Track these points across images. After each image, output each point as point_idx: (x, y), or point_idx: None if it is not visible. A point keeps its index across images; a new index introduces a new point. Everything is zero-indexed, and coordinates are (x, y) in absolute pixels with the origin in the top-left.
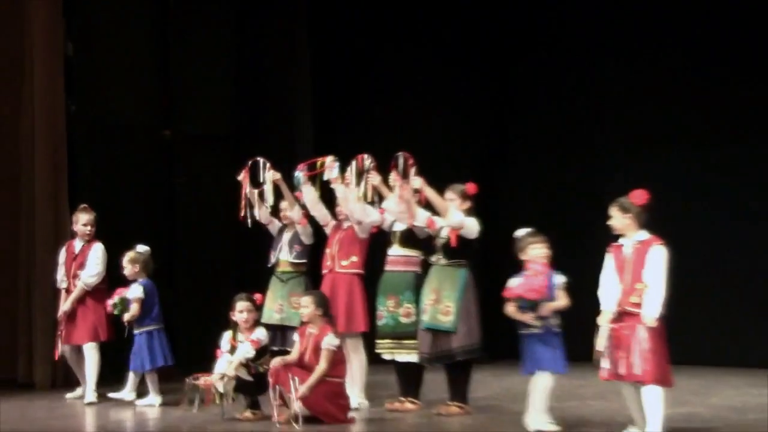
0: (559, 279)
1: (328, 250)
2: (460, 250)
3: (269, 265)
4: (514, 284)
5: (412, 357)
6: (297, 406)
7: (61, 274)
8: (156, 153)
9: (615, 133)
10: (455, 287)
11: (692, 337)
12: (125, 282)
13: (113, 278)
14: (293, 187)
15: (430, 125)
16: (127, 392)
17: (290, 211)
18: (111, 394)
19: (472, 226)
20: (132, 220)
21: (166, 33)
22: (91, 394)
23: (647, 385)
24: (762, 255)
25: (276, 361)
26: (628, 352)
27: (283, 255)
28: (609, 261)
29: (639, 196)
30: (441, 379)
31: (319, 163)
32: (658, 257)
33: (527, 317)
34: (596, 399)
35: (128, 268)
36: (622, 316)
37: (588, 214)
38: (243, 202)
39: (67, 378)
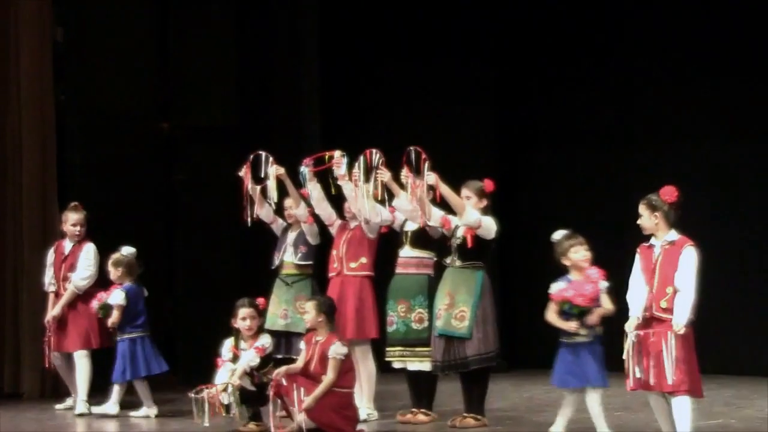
0: (603, 284)
1: (334, 252)
2: (476, 251)
3: (273, 268)
4: (561, 288)
5: (424, 365)
6: (301, 419)
7: (49, 277)
8: (153, 147)
9: (644, 127)
10: (471, 291)
11: (724, 345)
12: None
13: (105, 281)
14: (298, 183)
15: (444, 118)
16: (111, 405)
17: (295, 208)
18: (94, 409)
19: (489, 226)
20: (127, 220)
21: (164, 18)
22: (81, 405)
23: (677, 396)
24: None
25: (279, 372)
26: (657, 360)
27: (288, 256)
28: (638, 263)
29: (669, 193)
30: (456, 389)
31: (326, 158)
32: (690, 259)
33: (572, 325)
34: (622, 410)
35: (112, 272)
36: (650, 322)
37: (616, 212)
38: (245, 200)
39: (56, 387)
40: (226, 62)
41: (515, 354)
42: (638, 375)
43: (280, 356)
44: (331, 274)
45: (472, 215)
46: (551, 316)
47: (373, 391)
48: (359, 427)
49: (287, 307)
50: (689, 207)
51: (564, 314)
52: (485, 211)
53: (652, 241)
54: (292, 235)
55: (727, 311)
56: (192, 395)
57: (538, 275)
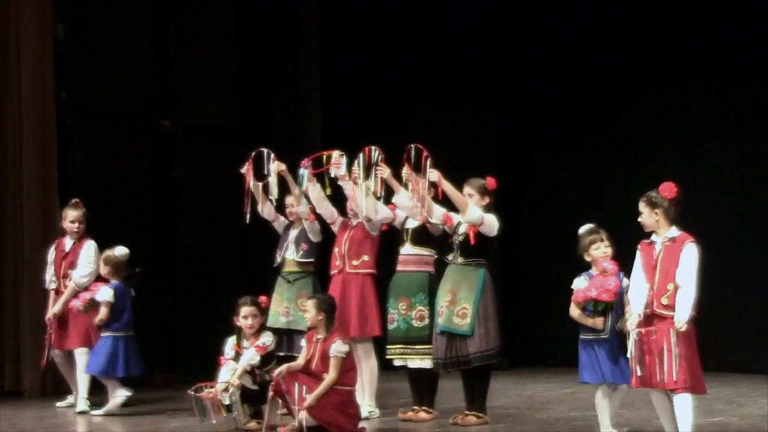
0: (625, 281)
1: (336, 250)
2: (478, 248)
3: (275, 265)
4: (582, 288)
5: (425, 363)
6: (302, 416)
7: (50, 274)
8: (153, 144)
9: (644, 125)
10: (473, 288)
11: (725, 342)
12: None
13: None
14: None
15: (445, 117)
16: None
17: (297, 206)
18: (93, 412)
19: (492, 223)
20: (127, 217)
21: (164, 15)
22: (82, 403)
23: (679, 394)
24: None
25: (280, 371)
26: (659, 358)
27: (290, 254)
28: (638, 260)
29: (668, 189)
30: (457, 387)
31: (324, 158)
32: (690, 256)
33: (598, 321)
34: (624, 407)
35: (101, 268)
36: (652, 319)
37: (616, 210)
38: (246, 198)
39: (57, 385)
40: (226, 60)
41: (517, 351)
42: (639, 373)
43: (281, 354)
44: (333, 272)
45: (474, 212)
46: (574, 312)
47: (375, 388)
48: (361, 424)
49: (289, 305)
50: (690, 204)
51: (586, 311)
52: (488, 208)
53: (653, 237)
54: (293, 233)
55: (729, 309)
56: (191, 393)
57: (540, 273)
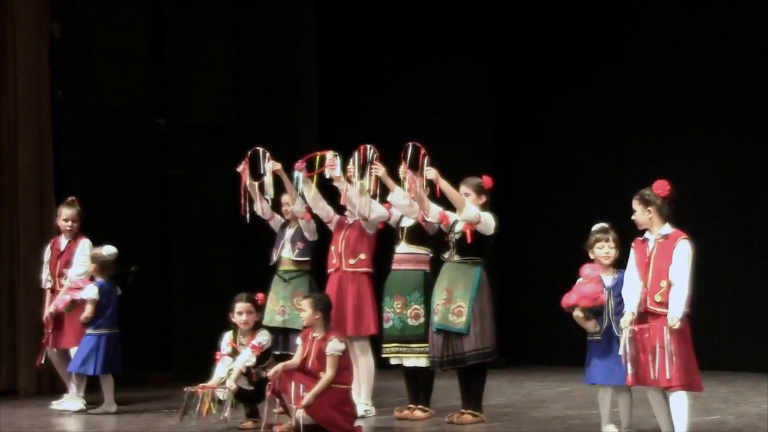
0: (608, 281)
1: (333, 248)
2: (475, 246)
3: (271, 264)
4: (567, 295)
5: (420, 361)
6: (299, 415)
7: (45, 273)
8: (150, 143)
9: (641, 124)
10: (469, 286)
11: (721, 341)
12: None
13: None
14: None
15: (442, 115)
16: (73, 399)
17: (292, 204)
18: (55, 404)
19: (488, 222)
20: (123, 215)
21: (160, 13)
22: (78, 402)
23: (674, 392)
24: None
25: (276, 370)
26: (653, 355)
27: (286, 252)
28: (632, 258)
29: (661, 187)
30: (453, 385)
31: (318, 158)
32: (683, 252)
33: (588, 325)
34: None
35: (88, 265)
36: (645, 316)
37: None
38: (243, 196)
39: (52, 384)
40: (222, 58)
41: (513, 350)
42: (634, 370)
43: (277, 352)
44: (330, 270)
45: (471, 211)
46: (576, 313)
47: (372, 387)
48: (357, 423)
49: (285, 304)
50: (687, 202)
51: (586, 313)
52: (484, 207)
53: (647, 235)
54: (289, 232)
55: (725, 307)
56: (187, 389)
57: (537, 272)
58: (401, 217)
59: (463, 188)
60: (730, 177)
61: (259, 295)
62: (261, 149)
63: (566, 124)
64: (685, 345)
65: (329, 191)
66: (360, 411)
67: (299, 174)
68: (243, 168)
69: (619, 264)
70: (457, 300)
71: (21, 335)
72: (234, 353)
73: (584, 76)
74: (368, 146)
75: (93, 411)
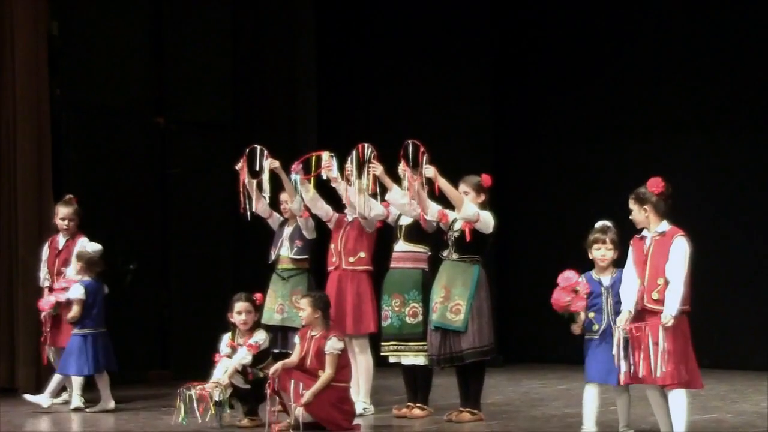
0: (583, 287)
1: (333, 247)
2: (474, 245)
3: (269, 262)
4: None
5: (418, 359)
6: (298, 413)
7: (44, 272)
8: (148, 141)
9: (640, 122)
10: (467, 284)
11: (720, 339)
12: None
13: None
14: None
15: (441, 114)
16: (45, 397)
17: (291, 203)
18: (27, 396)
19: (487, 220)
20: (121, 214)
21: (159, 12)
22: (77, 400)
23: (672, 390)
24: None
25: (276, 369)
26: (646, 353)
27: (284, 251)
28: (631, 256)
29: (655, 184)
30: (452, 384)
31: (314, 158)
32: (680, 250)
33: (574, 328)
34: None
35: (73, 264)
36: (643, 314)
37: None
38: (241, 195)
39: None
40: (221, 57)
41: (511, 349)
42: (624, 369)
43: (276, 351)
44: (329, 269)
45: (470, 209)
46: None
47: (370, 385)
48: (355, 421)
49: (283, 302)
50: (686, 200)
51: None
52: (483, 205)
53: (644, 232)
54: (288, 230)
55: (723, 305)
56: (182, 390)
57: (535, 270)
58: (399, 215)
59: (463, 186)
60: (728, 176)
61: (258, 295)
62: (259, 147)
63: (565, 124)
64: (684, 343)
65: (328, 190)
66: (359, 409)
67: (296, 177)
68: (241, 166)
69: (618, 264)
70: (455, 298)
71: (19, 334)
72: (233, 354)
73: (584, 75)
74: (366, 145)
75: (91, 409)
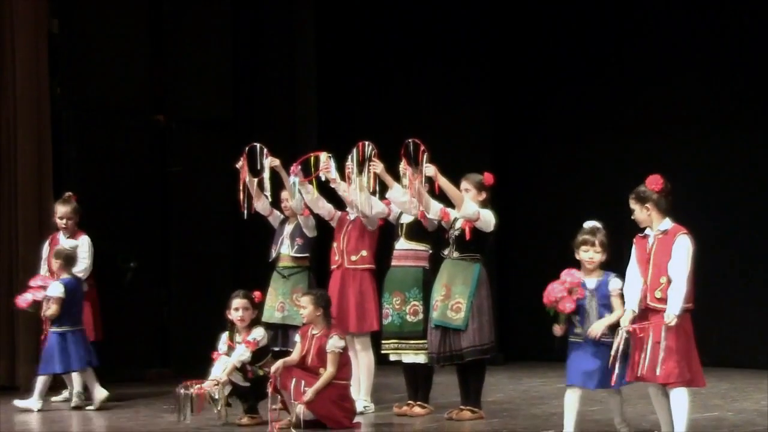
0: (614, 284)
1: (335, 245)
2: (474, 243)
3: (270, 260)
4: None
5: (419, 358)
6: (299, 410)
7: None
8: (148, 139)
9: (640, 120)
10: (468, 283)
11: (721, 337)
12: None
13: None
14: None
15: (441, 111)
16: (35, 400)
17: (291, 201)
18: (17, 403)
19: (488, 219)
20: (122, 212)
21: (159, 9)
22: (77, 398)
23: (674, 388)
24: None
25: (277, 365)
26: (653, 352)
27: (284, 249)
28: (634, 254)
29: (655, 182)
30: (452, 382)
31: (312, 159)
32: (682, 248)
33: (556, 328)
34: None
35: (52, 262)
36: (646, 313)
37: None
38: (241, 193)
39: (52, 380)
40: (221, 54)
41: (512, 347)
42: (633, 367)
43: (276, 349)
44: (332, 267)
45: (470, 208)
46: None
47: (371, 383)
48: (356, 419)
49: (284, 300)
50: (686, 198)
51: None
52: (484, 204)
53: (647, 231)
54: (288, 228)
55: (724, 304)
56: (179, 389)
57: (536, 269)
58: (401, 213)
59: (464, 184)
60: (728, 174)
61: (256, 293)
62: (258, 145)
63: (565, 123)
64: (686, 341)
65: (329, 189)
66: (359, 407)
67: (296, 179)
68: (242, 165)
69: (606, 266)
70: (455, 296)
71: (20, 332)
72: (231, 353)
73: (583, 75)
74: (367, 143)
75: (90, 407)
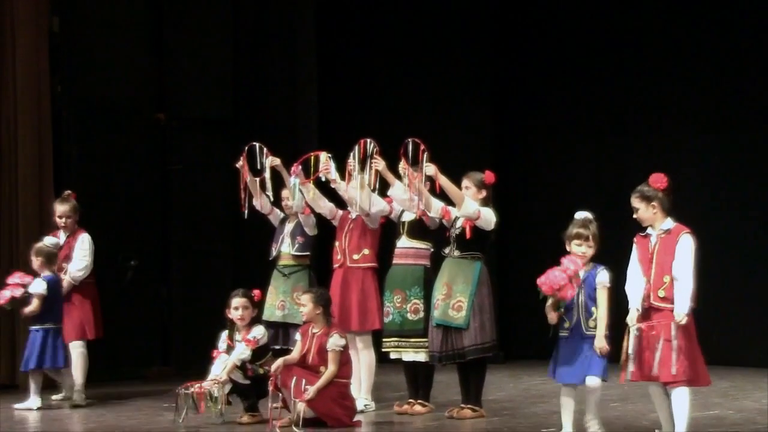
0: (601, 276)
1: (337, 244)
2: (475, 242)
3: (270, 259)
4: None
5: (419, 356)
6: (300, 408)
7: None
8: (149, 138)
9: (640, 118)
10: (469, 281)
11: (721, 336)
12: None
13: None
14: None
15: (441, 110)
16: (33, 399)
17: (292, 199)
18: (17, 406)
19: (488, 217)
20: (123, 210)
21: (160, 8)
22: (78, 396)
23: (676, 387)
24: None
25: (278, 364)
26: (657, 351)
27: (285, 247)
28: (635, 254)
29: (659, 180)
30: (453, 380)
31: (312, 159)
32: (686, 247)
33: (551, 316)
34: (619, 401)
35: (33, 261)
36: (649, 312)
37: (613, 204)
38: (242, 192)
39: (51, 379)
40: (222, 53)
41: (513, 345)
42: (632, 367)
43: (277, 347)
44: (334, 266)
45: (470, 206)
46: (547, 305)
47: (372, 382)
48: (357, 417)
49: (285, 299)
50: (687, 196)
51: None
52: (485, 202)
53: (649, 230)
54: (289, 226)
55: (726, 302)
56: (180, 390)
57: (537, 267)
58: (402, 211)
59: (465, 182)
60: (728, 173)
61: (256, 292)
62: (258, 145)
63: (567, 121)
64: (690, 340)
65: (330, 188)
66: (360, 405)
67: (296, 180)
68: (242, 164)
69: (595, 259)
70: (456, 295)
71: (20, 330)
72: (230, 351)
73: (584, 74)
74: (368, 140)
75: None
